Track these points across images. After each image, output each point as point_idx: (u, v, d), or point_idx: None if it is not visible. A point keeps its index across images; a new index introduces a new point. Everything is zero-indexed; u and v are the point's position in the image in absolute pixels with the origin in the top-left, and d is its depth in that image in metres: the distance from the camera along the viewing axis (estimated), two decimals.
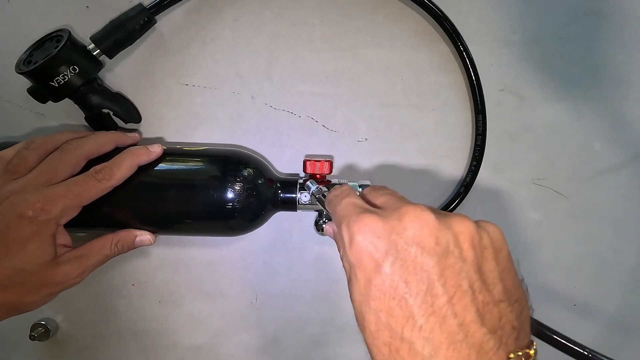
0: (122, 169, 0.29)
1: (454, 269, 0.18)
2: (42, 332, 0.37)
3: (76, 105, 0.34)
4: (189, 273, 0.38)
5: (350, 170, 0.37)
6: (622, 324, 0.40)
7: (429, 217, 0.19)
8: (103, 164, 0.29)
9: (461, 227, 0.19)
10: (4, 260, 0.26)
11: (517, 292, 0.19)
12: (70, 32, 0.31)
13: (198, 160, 0.32)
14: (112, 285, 0.38)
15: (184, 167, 0.32)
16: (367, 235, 0.19)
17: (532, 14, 0.37)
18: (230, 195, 0.30)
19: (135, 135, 0.34)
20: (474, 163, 0.36)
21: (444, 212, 0.21)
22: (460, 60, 0.36)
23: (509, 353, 0.17)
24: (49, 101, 0.33)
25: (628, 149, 0.38)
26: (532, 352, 0.18)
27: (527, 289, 0.21)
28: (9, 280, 0.27)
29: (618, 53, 0.37)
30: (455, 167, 0.38)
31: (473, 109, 0.36)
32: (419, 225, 0.19)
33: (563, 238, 0.39)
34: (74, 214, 0.28)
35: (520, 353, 0.17)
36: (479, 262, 0.19)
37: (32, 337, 0.37)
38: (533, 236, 0.39)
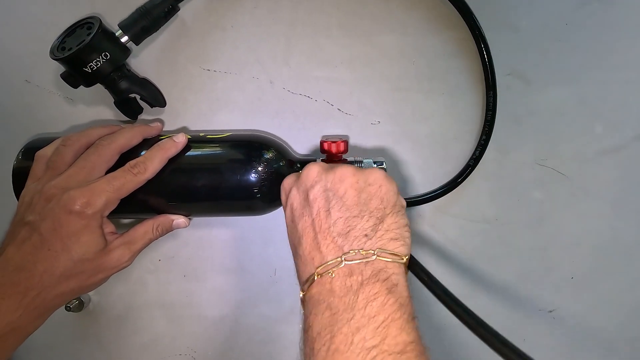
0: (154, 162, 0.31)
1: (321, 196, 0.28)
2: (76, 304, 0.40)
3: (103, 90, 0.35)
4: (212, 249, 0.41)
5: (364, 151, 0.40)
6: (617, 296, 0.43)
7: (319, 167, 0.29)
8: (137, 159, 0.31)
9: (340, 172, 0.28)
10: (63, 254, 0.29)
11: (377, 213, 0.27)
12: (100, 20, 0.33)
13: (222, 146, 0.34)
14: (140, 260, 0.41)
15: (209, 153, 0.34)
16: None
17: (540, 0, 0.38)
18: (254, 177, 0.33)
19: (158, 125, 0.36)
20: (484, 137, 0.38)
21: (335, 165, 0.30)
22: (469, 46, 0.37)
23: (351, 249, 0.26)
24: (79, 86, 0.35)
25: (627, 131, 0.40)
26: (371, 252, 0.25)
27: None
28: (70, 271, 0.29)
29: (621, 38, 0.39)
30: (463, 149, 0.40)
31: (484, 88, 0.38)
32: (307, 172, 0.30)
33: (563, 215, 0.41)
34: (114, 206, 0.31)
35: (362, 251, 0.25)
36: (342, 192, 0.28)
37: (67, 309, 0.39)
38: (535, 214, 0.41)
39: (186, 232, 0.40)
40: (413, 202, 0.39)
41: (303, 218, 0.28)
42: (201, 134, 0.36)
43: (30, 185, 0.32)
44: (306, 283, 0.27)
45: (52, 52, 0.32)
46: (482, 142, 0.38)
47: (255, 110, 0.39)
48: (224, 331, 0.42)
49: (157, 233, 0.34)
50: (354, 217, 0.27)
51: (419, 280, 0.27)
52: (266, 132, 0.39)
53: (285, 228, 0.31)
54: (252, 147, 0.34)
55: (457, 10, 0.36)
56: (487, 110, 0.38)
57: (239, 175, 0.33)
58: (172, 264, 0.41)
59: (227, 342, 0.43)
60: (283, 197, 0.32)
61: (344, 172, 0.28)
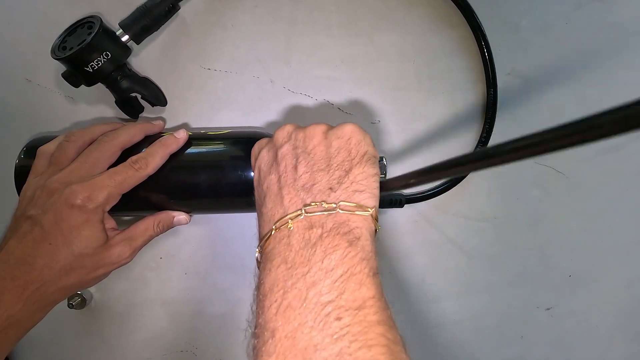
0: (156, 158, 0.32)
1: (289, 153, 0.27)
2: (79, 302, 0.40)
3: (104, 89, 0.35)
4: (213, 247, 0.41)
5: None
6: (614, 294, 0.43)
7: (290, 127, 0.29)
8: (139, 154, 0.31)
9: (311, 129, 0.28)
10: (64, 248, 0.29)
11: (345, 165, 0.26)
12: (101, 19, 0.33)
13: (223, 143, 0.34)
14: (142, 258, 0.41)
15: (210, 149, 0.34)
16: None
17: (540, 0, 0.38)
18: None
19: (160, 123, 0.36)
20: (484, 135, 0.38)
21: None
22: (469, 45, 0.37)
23: (313, 202, 0.25)
24: (80, 85, 0.35)
25: None
26: (333, 205, 0.24)
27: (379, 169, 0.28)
28: (70, 265, 0.29)
29: (620, 38, 0.39)
30: (462, 148, 0.40)
31: (484, 87, 0.38)
32: (278, 132, 0.30)
33: (562, 214, 0.41)
34: (116, 200, 0.31)
35: (324, 203, 0.24)
36: (311, 148, 0.27)
37: (70, 306, 0.40)
38: (534, 212, 0.41)
39: (187, 229, 0.41)
40: (412, 200, 0.39)
41: (270, 176, 0.27)
42: (202, 131, 0.36)
43: (32, 180, 0.32)
44: (263, 239, 0.25)
45: (53, 52, 0.32)
46: (483, 139, 0.38)
47: (256, 109, 0.39)
48: (225, 328, 0.43)
49: (158, 230, 0.34)
50: (320, 170, 0.26)
51: (396, 188, 0.26)
52: (267, 130, 0.40)
53: None
54: (253, 143, 0.34)
55: (458, 9, 0.36)
56: (488, 107, 0.38)
57: (239, 171, 0.33)
58: (173, 261, 0.41)
59: (228, 338, 0.43)
60: (252, 161, 0.31)
61: (314, 130, 0.28)
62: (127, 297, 0.42)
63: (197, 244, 0.41)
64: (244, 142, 0.34)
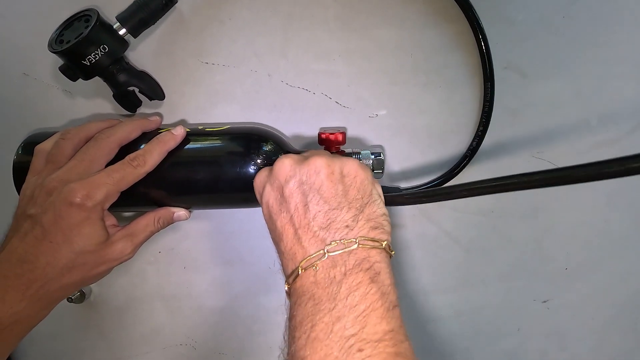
0: (153, 155, 0.32)
1: (296, 191, 0.28)
2: (78, 296, 0.40)
3: (101, 83, 0.35)
4: (212, 241, 0.41)
5: (361, 144, 0.40)
6: (609, 287, 0.44)
7: (291, 161, 0.29)
8: (136, 152, 0.32)
9: (314, 162, 0.28)
10: (64, 246, 0.29)
11: (356, 203, 0.27)
12: (98, 13, 0.33)
13: (220, 139, 0.34)
14: (141, 252, 0.41)
15: (208, 146, 0.34)
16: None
17: None
18: (253, 169, 0.33)
19: (157, 119, 0.36)
20: (481, 128, 0.38)
21: (306, 154, 0.30)
22: (466, 39, 0.37)
23: (333, 241, 0.26)
24: (78, 79, 0.35)
25: (622, 124, 0.40)
26: (353, 241, 0.26)
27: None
28: (72, 263, 0.30)
29: (617, 32, 0.39)
30: (459, 142, 0.40)
31: (480, 82, 0.38)
32: (279, 166, 0.29)
33: (557, 207, 0.42)
34: (115, 198, 0.31)
35: (344, 241, 0.26)
36: (319, 185, 0.27)
37: (69, 300, 0.40)
38: (530, 205, 0.41)
39: (186, 224, 0.41)
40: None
41: (281, 215, 0.28)
42: (200, 127, 0.36)
43: (31, 179, 0.32)
44: (290, 277, 0.27)
45: (50, 45, 0.32)
46: (480, 133, 0.38)
47: (254, 103, 0.39)
48: (224, 322, 0.43)
49: (159, 225, 0.34)
50: (334, 209, 0.27)
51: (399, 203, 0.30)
52: (264, 124, 0.40)
53: None
54: (250, 139, 0.34)
55: (456, 3, 0.36)
56: (485, 101, 0.38)
57: (237, 168, 0.33)
58: (172, 255, 0.41)
59: (226, 332, 0.43)
60: (257, 195, 0.31)
61: (317, 164, 0.28)
62: (126, 291, 0.42)
63: (196, 238, 0.41)
64: (241, 138, 0.34)
